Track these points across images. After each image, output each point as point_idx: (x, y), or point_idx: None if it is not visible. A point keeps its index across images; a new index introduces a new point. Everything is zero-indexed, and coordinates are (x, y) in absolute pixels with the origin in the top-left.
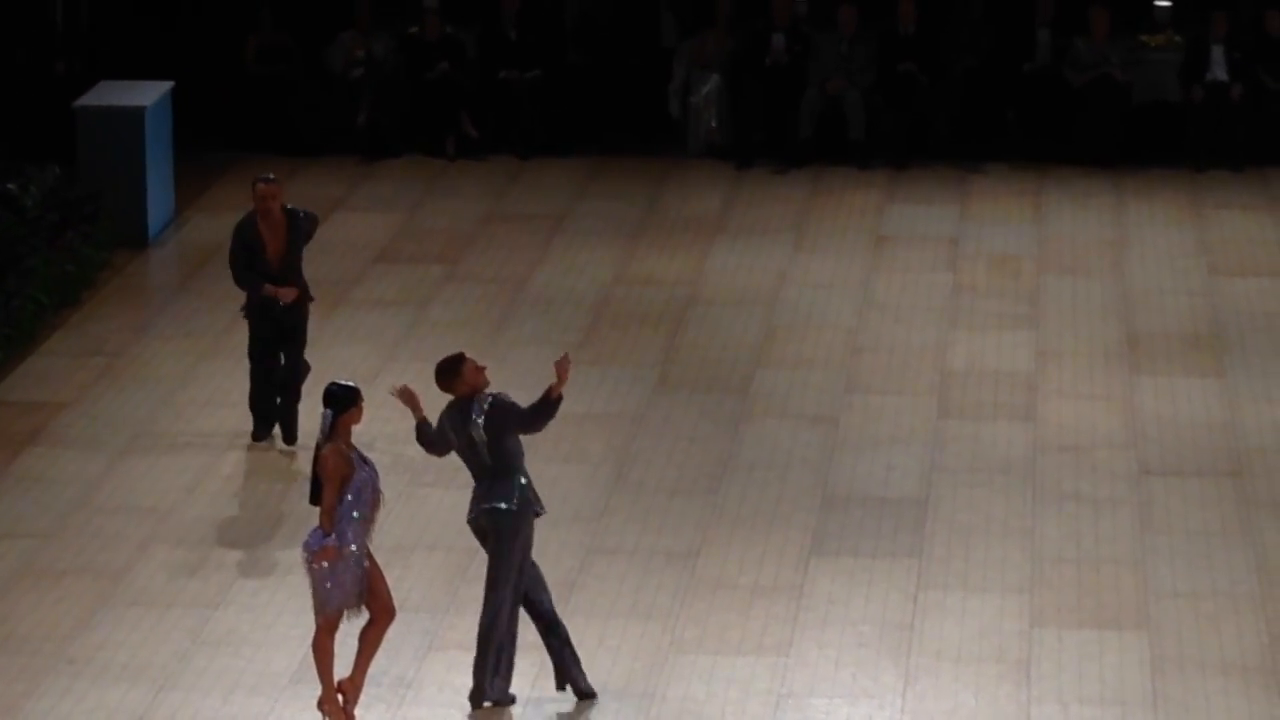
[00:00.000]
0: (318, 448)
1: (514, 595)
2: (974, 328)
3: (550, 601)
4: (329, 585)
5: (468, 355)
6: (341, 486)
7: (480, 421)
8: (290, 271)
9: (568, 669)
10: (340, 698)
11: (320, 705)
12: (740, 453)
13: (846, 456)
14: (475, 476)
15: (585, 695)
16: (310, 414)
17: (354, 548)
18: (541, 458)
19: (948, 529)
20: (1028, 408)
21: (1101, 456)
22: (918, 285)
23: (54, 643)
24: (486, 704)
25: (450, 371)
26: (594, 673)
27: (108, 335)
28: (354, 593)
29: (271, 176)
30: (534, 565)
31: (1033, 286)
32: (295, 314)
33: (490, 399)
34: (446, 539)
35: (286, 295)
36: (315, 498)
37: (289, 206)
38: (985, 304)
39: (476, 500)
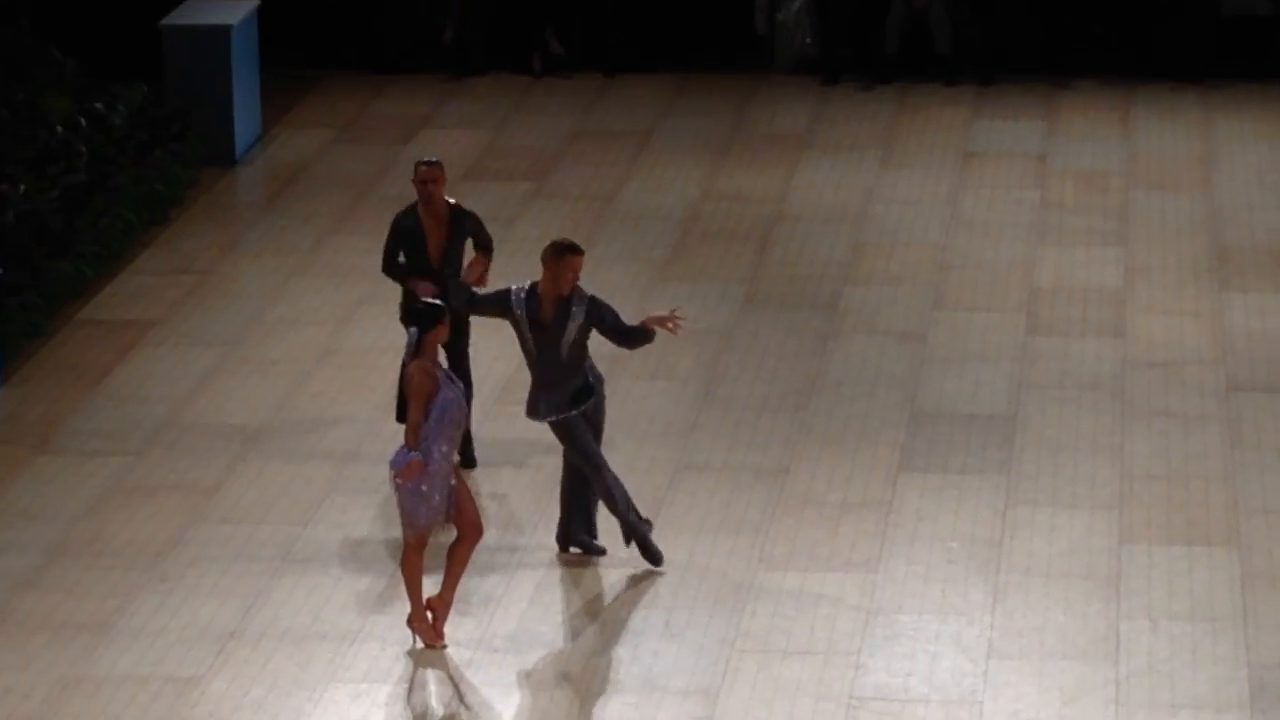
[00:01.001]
0: (404, 365)
1: (603, 464)
2: (1062, 244)
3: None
4: (416, 503)
5: None
6: (427, 404)
7: (581, 315)
8: (451, 270)
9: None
10: (429, 615)
11: (410, 623)
12: (828, 369)
13: (934, 373)
14: (539, 372)
15: (591, 550)
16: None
17: (440, 465)
18: (630, 374)
19: (1036, 445)
20: (1116, 324)
21: (1190, 372)
22: (1005, 201)
23: (146, 560)
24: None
25: (571, 251)
26: (683, 587)
27: (196, 253)
28: (441, 510)
29: (434, 159)
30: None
31: (1121, 202)
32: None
33: (589, 298)
34: (534, 457)
35: (425, 290)
36: (402, 415)
37: (452, 201)
38: (1073, 220)
39: (542, 404)
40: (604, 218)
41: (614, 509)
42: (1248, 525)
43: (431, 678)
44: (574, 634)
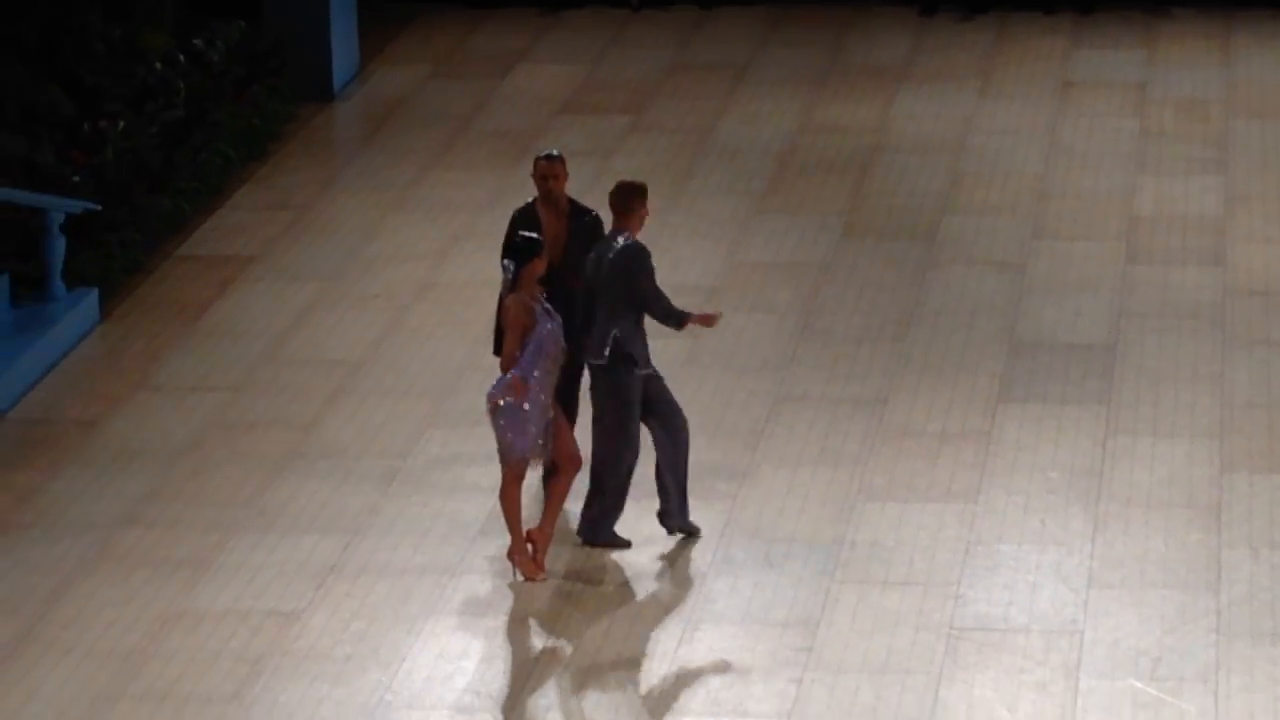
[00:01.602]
0: (501, 299)
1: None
2: (1162, 173)
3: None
4: (513, 435)
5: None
6: (523, 336)
7: (611, 255)
8: (568, 272)
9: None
10: (530, 547)
11: (510, 555)
12: (927, 300)
13: (1034, 302)
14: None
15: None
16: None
17: (538, 397)
18: (729, 307)
19: (1136, 374)
20: (1216, 252)
21: None
22: (1105, 130)
23: (245, 495)
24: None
25: (638, 194)
26: (783, 519)
27: (294, 189)
28: (538, 442)
29: (555, 153)
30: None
31: (1221, 130)
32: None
33: (633, 240)
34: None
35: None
36: (499, 348)
37: (574, 200)
38: (1173, 148)
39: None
40: (701, 151)
41: (605, 480)
42: None
43: (532, 610)
44: (673, 567)
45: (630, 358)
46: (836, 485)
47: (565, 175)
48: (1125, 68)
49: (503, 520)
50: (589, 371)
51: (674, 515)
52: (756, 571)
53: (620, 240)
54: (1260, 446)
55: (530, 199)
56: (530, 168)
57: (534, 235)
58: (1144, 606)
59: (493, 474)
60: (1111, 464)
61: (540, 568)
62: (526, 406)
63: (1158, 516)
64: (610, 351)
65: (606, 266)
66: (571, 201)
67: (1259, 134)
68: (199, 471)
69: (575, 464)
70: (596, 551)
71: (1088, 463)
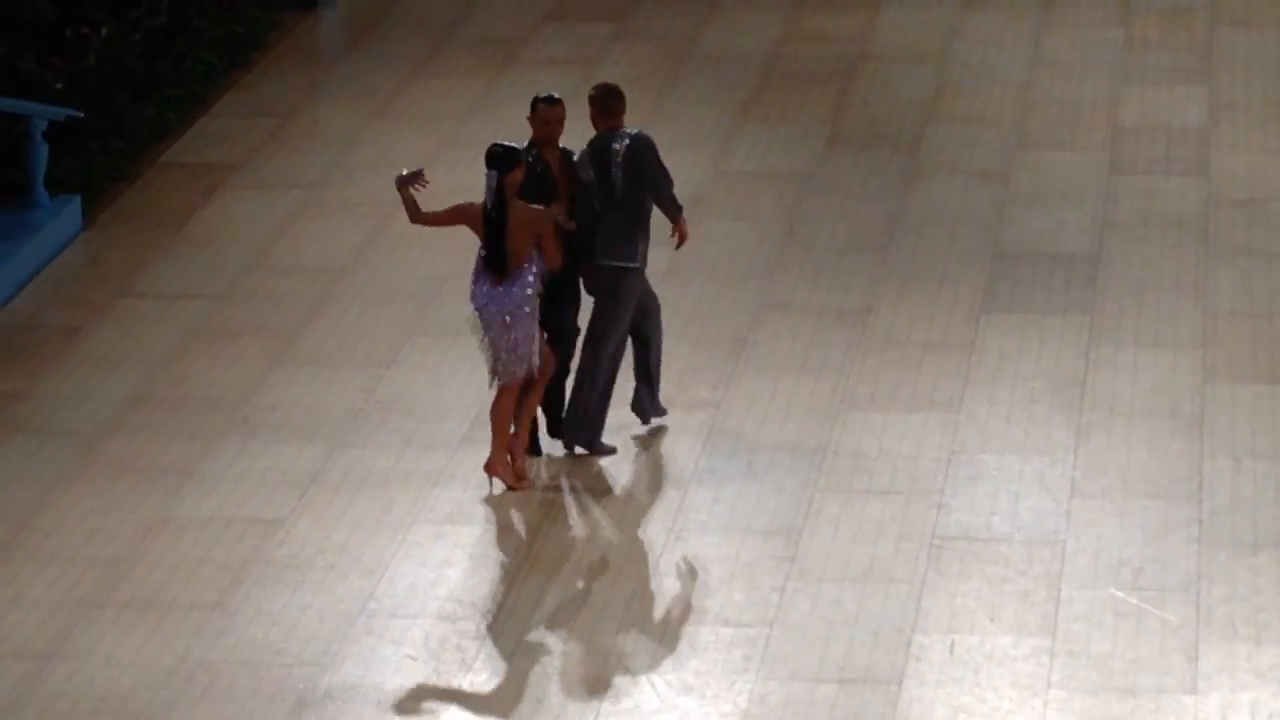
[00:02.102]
0: (487, 207)
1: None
2: (1145, 82)
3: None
4: (524, 347)
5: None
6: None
7: (625, 148)
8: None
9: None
10: (509, 457)
11: (489, 468)
12: (910, 210)
13: (1017, 212)
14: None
15: (647, 416)
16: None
17: (537, 304)
18: (712, 215)
19: (1119, 284)
20: (1200, 162)
21: (1275, 210)
22: (1088, 40)
23: (229, 402)
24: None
25: (622, 96)
26: (766, 428)
27: (278, 96)
28: (533, 350)
29: (555, 95)
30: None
31: (1205, 39)
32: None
33: (640, 131)
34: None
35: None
36: (496, 261)
37: (565, 148)
38: (1157, 58)
39: (599, 249)
40: (685, 59)
41: (589, 380)
42: None
43: (515, 519)
44: (655, 476)
45: (644, 255)
46: (819, 394)
47: (564, 120)
48: None
49: (486, 429)
50: (597, 272)
51: (649, 404)
52: (739, 480)
53: (626, 135)
54: (1243, 356)
55: (529, 144)
56: (516, 80)
57: (513, 144)
58: (1126, 516)
59: (475, 383)
60: (1094, 374)
61: (524, 475)
62: (520, 328)
63: (1140, 426)
64: (639, 250)
65: (623, 159)
66: (562, 150)
67: (1243, 43)
68: (182, 379)
69: (550, 372)
70: (578, 464)
71: (1070, 372)
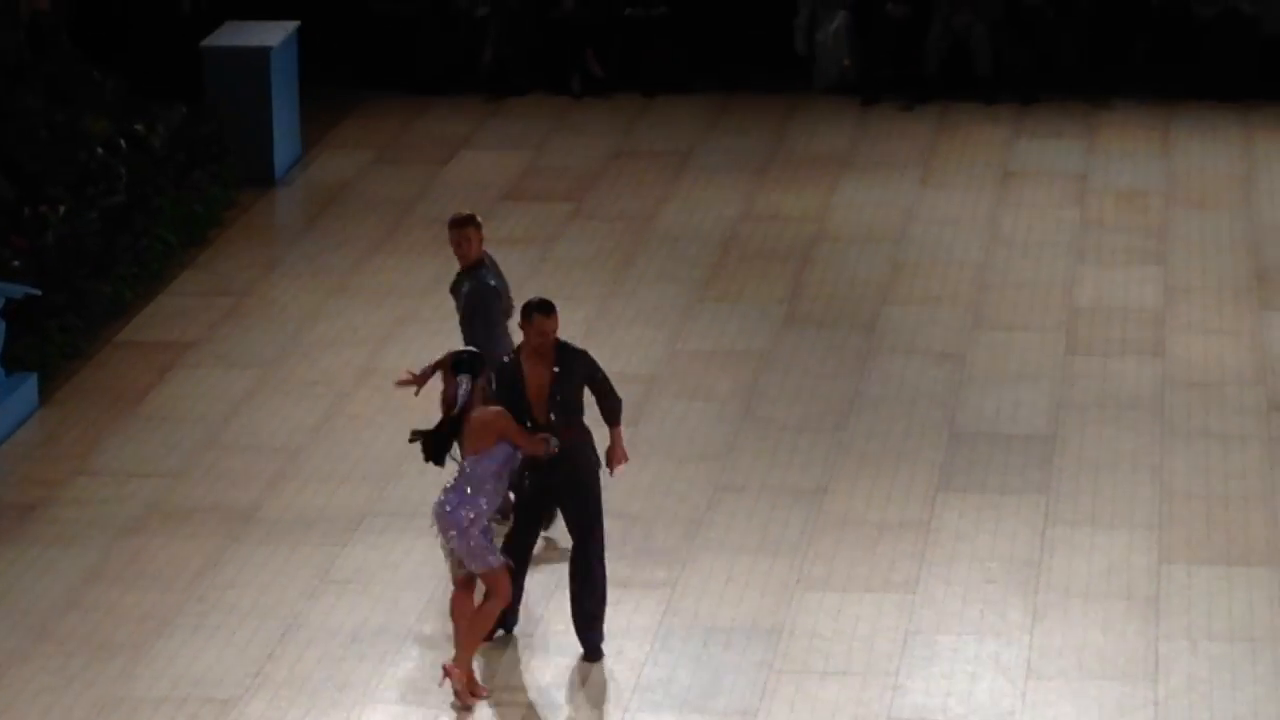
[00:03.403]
0: (460, 410)
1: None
2: (1102, 263)
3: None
4: (485, 550)
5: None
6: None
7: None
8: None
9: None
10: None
11: (451, 671)
12: (867, 389)
13: (974, 393)
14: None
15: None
16: None
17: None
18: (669, 395)
19: (1076, 465)
20: (1156, 343)
21: (1230, 392)
22: (1045, 221)
23: (183, 581)
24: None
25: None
26: (721, 608)
27: (235, 274)
28: (488, 548)
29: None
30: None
31: (1161, 221)
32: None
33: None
34: None
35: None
36: (431, 456)
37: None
38: (1113, 239)
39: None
40: (643, 238)
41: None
42: None
43: (469, 705)
44: (610, 655)
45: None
46: (775, 574)
47: (479, 239)
48: (1065, 158)
49: (441, 610)
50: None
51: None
52: (694, 660)
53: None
54: (1199, 537)
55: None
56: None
57: (474, 349)
58: (1082, 698)
59: (433, 562)
60: (1050, 554)
61: (479, 692)
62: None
63: (1096, 607)
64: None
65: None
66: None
67: (1198, 225)
68: (137, 557)
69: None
70: (528, 641)
71: (1026, 553)
